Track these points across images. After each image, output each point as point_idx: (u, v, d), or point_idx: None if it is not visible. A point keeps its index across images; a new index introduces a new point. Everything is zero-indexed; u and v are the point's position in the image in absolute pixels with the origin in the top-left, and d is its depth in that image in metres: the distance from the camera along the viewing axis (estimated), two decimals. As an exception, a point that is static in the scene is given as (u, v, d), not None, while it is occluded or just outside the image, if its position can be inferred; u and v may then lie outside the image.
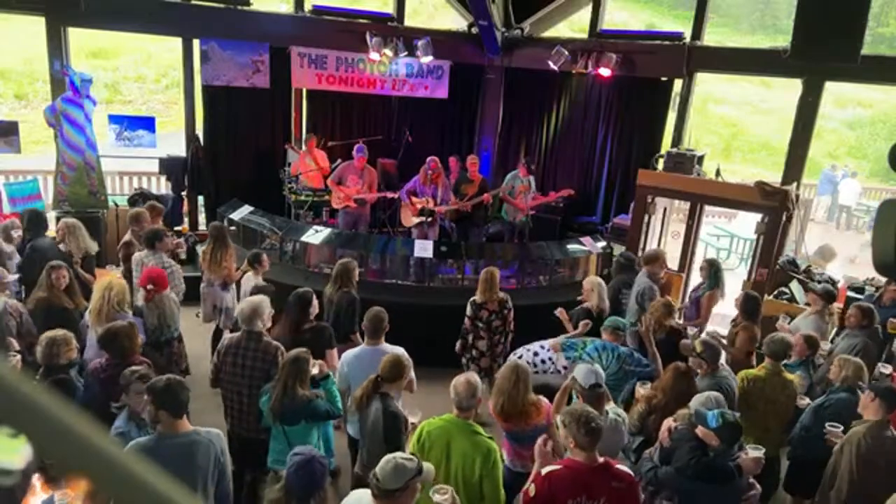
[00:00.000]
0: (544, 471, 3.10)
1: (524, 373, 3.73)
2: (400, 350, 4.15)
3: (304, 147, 8.90)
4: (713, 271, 6.07)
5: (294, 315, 4.60)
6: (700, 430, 3.38)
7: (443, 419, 3.42)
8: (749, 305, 5.38)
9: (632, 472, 3.18)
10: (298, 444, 3.70)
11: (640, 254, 6.85)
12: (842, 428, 4.03)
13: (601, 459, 3.06)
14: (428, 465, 2.93)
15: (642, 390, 4.18)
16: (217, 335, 5.98)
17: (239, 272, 5.89)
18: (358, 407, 3.72)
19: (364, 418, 3.73)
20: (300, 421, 3.75)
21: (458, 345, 5.59)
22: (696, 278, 7.03)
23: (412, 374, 4.03)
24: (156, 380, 3.26)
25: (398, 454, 2.82)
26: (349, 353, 4.33)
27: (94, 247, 6.13)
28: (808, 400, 4.49)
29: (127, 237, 6.18)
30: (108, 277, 4.92)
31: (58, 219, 7.33)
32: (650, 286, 5.75)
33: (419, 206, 8.03)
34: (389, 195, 8.34)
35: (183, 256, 6.43)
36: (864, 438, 3.75)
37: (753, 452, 3.39)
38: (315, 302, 4.69)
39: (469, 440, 3.28)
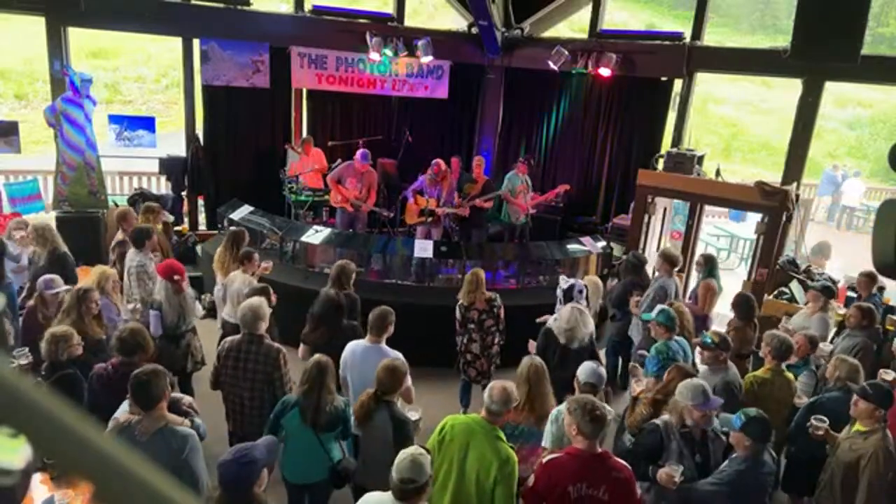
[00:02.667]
0: (545, 459, 3.12)
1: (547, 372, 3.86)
2: (394, 353, 4.13)
3: (301, 149, 8.88)
4: (707, 265, 6.11)
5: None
6: (732, 437, 3.42)
7: (469, 417, 3.42)
8: (743, 306, 5.35)
9: (628, 465, 3.19)
10: (333, 449, 3.69)
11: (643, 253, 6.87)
12: (827, 422, 4.02)
13: (600, 450, 3.10)
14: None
15: (637, 387, 4.20)
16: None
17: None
18: (361, 421, 3.63)
19: (369, 430, 3.65)
20: (339, 425, 3.70)
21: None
22: (695, 279, 7.04)
23: (409, 381, 3.91)
24: (136, 369, 3.22)
25: (412, 449, 2.81)
26: (348, 346, 4.35)
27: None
28: (805, 399, 4.50)
29: (119, 236, 6.09)
30: (102, 269, 4.91)
31: (58, 219, 7.34)
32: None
33: (421, 206, 8.04)
34: (385, 214, 8.42)
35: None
36: (880, 458, 3.67)
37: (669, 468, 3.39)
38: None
39: (490, 444, 3.25)
